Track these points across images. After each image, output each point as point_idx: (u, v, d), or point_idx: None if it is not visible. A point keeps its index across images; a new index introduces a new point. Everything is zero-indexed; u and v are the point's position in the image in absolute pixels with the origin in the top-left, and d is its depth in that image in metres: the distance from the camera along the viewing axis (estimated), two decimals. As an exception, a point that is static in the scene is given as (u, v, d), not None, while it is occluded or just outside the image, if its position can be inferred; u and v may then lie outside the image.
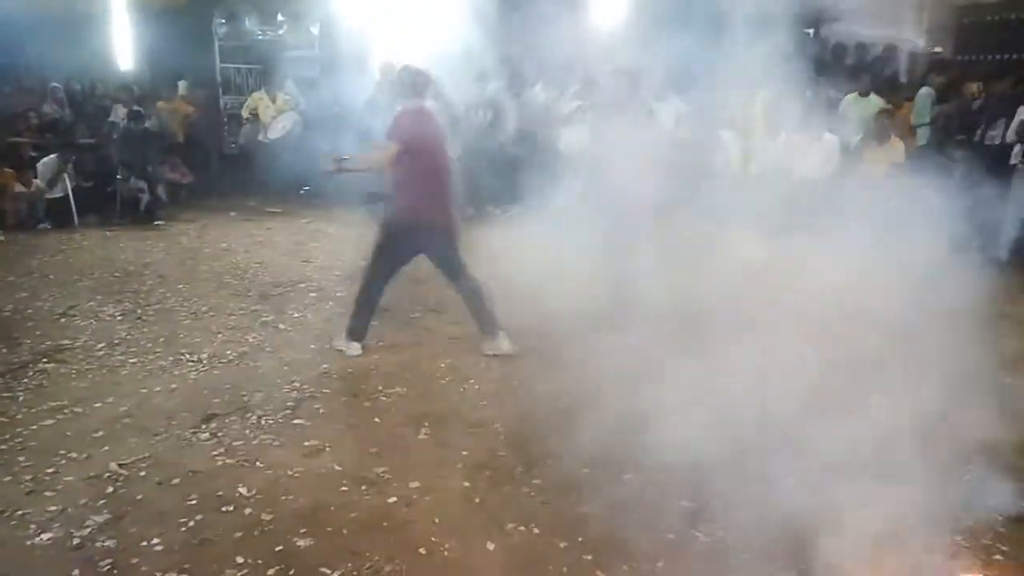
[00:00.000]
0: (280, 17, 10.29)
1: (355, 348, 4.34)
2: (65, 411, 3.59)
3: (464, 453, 3.24)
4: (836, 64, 9.92)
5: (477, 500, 2.90)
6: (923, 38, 10.01)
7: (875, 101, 8.03)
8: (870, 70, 8.73)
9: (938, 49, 9.58)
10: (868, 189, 7.25)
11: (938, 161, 7.63)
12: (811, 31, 12.16)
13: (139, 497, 2.89)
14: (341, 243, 6.97)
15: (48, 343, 4.45)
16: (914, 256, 4.03)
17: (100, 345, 4.41)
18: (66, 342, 4.46)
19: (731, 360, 3.45)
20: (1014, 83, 7.07)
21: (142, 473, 3.05)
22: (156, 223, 7.74)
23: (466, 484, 3.01)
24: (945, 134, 7.66)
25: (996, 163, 6.87)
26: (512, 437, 3.40)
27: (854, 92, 8.28)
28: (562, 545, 2.63)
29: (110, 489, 2.94)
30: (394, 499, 2.89)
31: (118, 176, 7.86)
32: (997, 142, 6.93)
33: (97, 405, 3.65)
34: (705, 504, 2.86)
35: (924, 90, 8.04)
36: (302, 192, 8.79)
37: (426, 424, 3.50)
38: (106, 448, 3.24)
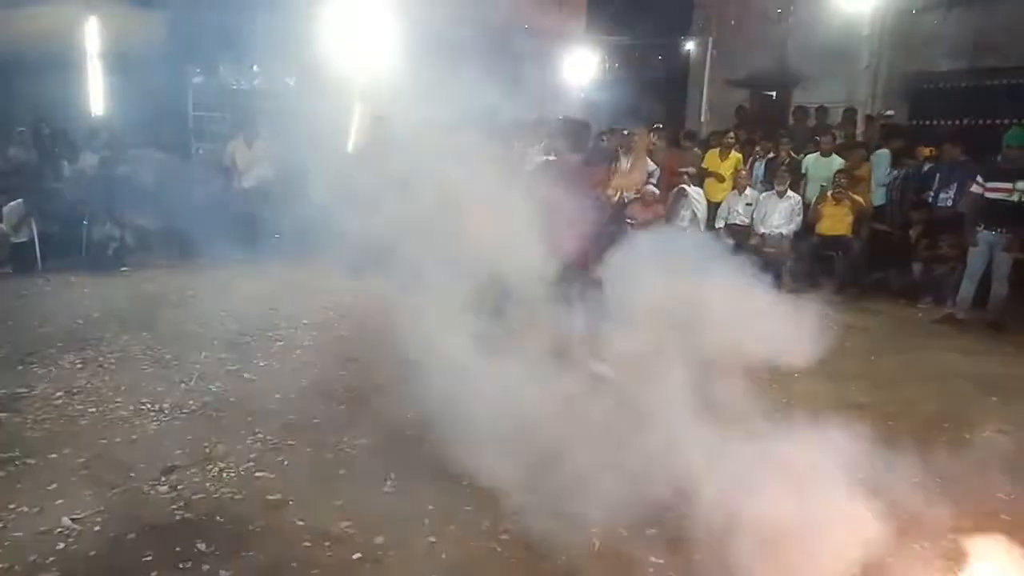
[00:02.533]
0: (255, 68, 10.42)
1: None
2: (17, 462, 3.47)
3: (430, 507, 3.20)
4: (797, 125, 10.32)
5: (443, 556, 2.86)
6: (878, 103, 10.48)
7: (836, 161, 8.34)
8: (830, 132, 9.09)
9: (890, 112, 10.02)
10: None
11: (894, 220, 7.93)
12: (773, 94, 12.67)
13: (92, 553, 2.79)
14: (310, 292, 6.93)
15: (3, 391, 4.32)
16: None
17: (58, 393, 4.30)
18: (23, 390, 4.34)
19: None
20: (965, 149, 7.40)
21: (96, 528, 2.96)
22: (122, 269, 7.64)
23: (432, 539, 2.96)
24: (900, 195, 7.97)
25: (949, 224, 7.15)
26: (479, 490, 3.36)
27: (816, 152, 8.60)
28: (528, 602, 2.60)
29: (61, 545, 2.83)
30: (359, 555, 2.84)
31: (85, 221, 7.77)
32: (949, 204, 7.22)
33: (52, 456, 3.54)
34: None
35: (882, 151, 8.38)
36: (273, 240, 8.75)
37: (392, 477, 3.45)
38: (60, 501, 3.14)
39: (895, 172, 8.15)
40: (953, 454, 3.79)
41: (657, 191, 8.95)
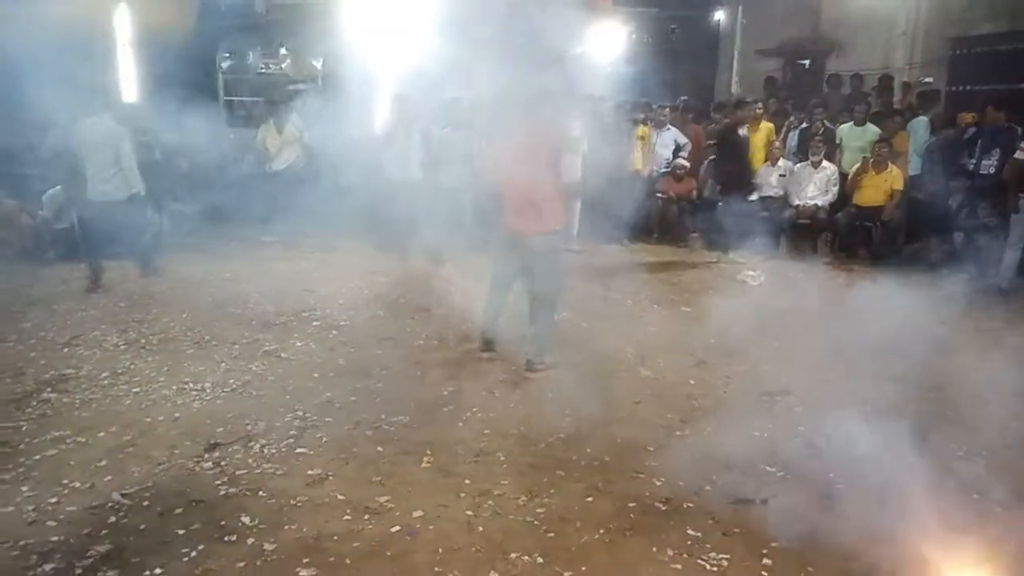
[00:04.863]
0: (283, 51, 10.45)
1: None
2: (68, 440, 3.59)
3: (467, 482, 3.24)
4: (832, 94, 10.08)
5: (480, 529, 2.89)
6: (916, 69, 10.19)
7: (871, 130, 8.14)
8: (866, 100, 8.87)
9: (929, 79, 9.74)
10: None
11: (933, 189, 7.72)
12: (807, 62, 12.39)
13: (142, 527, 2.88)
14: (344, 272, 7.01)
15: (52, 372, 4.46)
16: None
17: (104, 374, 4.43)
18: (70, 371, 4.48)
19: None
20: (1008, 114, 7.15)
21: (145, 503, 3.05)
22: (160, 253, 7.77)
23: (468, 513, 3.00)
24: (940, 163, 7.74)
25: (991, 192, 6.94)
26: (514, 465, 3.40)
27: (850, 121, 8.40)
28: (566, 575, 2.63)
29: (112, 519, 2.93)
30: (397, 528, 2.89)
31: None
32: (992, 171, 7.00)
33: (100, 434, 3.66)
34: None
35: (920, 119, 8.15)
36: (304, 222, 8.85)
37: (429, 453, 3.50)
38: (109, 478, 3.24)
39: (931, 139, 7.93)
40: (997, 427, 3.73)
41: (688, 165, 8.87)
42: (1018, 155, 6.33)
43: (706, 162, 8.86)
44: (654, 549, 2.78)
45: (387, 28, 8.33)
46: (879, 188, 7.73)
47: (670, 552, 2.76)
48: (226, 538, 2.81)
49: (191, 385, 4.28)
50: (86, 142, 6.34)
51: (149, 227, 6.91)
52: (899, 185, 7.68)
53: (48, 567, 2.63)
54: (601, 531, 2.89)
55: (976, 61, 9.65)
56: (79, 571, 2.61)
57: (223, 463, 3.38)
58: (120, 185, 6.34)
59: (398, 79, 8.11)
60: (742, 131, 8.31)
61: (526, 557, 2.71)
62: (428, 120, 7.81)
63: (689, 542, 2.82)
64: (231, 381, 4.36)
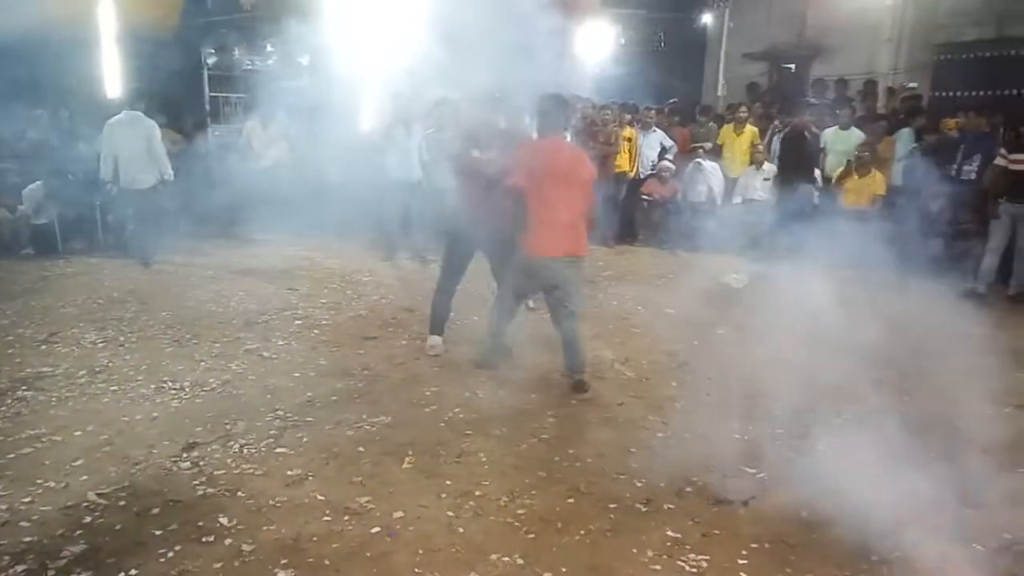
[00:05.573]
0: (269, 48, 10.38)
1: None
2: (43, 439, 3.54)
3: (448, 483, 3.23)
4: (817, 98, 10.14)
5: (461, 530, 2.88)
6: (901, 75, 10.28)
7: (856, 134, 8.20)
8: (850, 104, 8.93)
9: (913, 84, 9.82)
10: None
11: (915, 194, 7.78)
12: (792, 66, 12.47)
13: (117, 527, 2.84)
14: (327, 272, 6.98)
15: (28, 370, 4.40)
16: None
17: (81, 372, 4.37)
18: (46, 369, 4.42)
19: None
20: (990, 120, 7.23)
21: (121, 503, 3.01)
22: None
23: (450, 514, 2.99)
24: (922, 168, 7.81)
25: (971, 197, 7.01)
26: (496, 467, 3.39)
27: (835, 126, 8.46)
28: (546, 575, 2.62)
29: (88, 519, 2.89)
30: (377, 529, 2.87)
31: (97, 203, 7.82)
32: (973, 177, 7.07)
33: (77, 433, 3.61)
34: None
35: (904, 131, 8.20)
36: (289, 221, 8.79)
37: (410, 453, 3.48)
38: (84, 477, 3.20)
39: (914, 146, 8.01)
40: (973, 429, 3.76)
41: (674, 167, 8.90)
42: (998, 161, 6.40)
43: (691, 164, 8.89)
44: (634, 550, 2.78)
45: (374, 25, 8.28)
46: (862, 192, 7.78)
47: (650, 553, 2.76)
48: (203, 539, 2.78)
49: (170, 384, 4.24)
50: (118, 136, 6.93)
51: (158, 215, 7.33)
52: (881, 190, 7.74)
53: (20, 568, 2.59)
54: (582, 532, 2.89)
55: (961, 67, 9.74)
56: (52, 572, 2.57)
57: (201, 463, 3.35)
58: (151, 174, 7.02)
59: (385, 77, 8.07)
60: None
61: (507, 558, 2.70)
62: (423, 119, 7.76)
63: (669, 543, 2.83)
64: (211, 380, 4.32)
